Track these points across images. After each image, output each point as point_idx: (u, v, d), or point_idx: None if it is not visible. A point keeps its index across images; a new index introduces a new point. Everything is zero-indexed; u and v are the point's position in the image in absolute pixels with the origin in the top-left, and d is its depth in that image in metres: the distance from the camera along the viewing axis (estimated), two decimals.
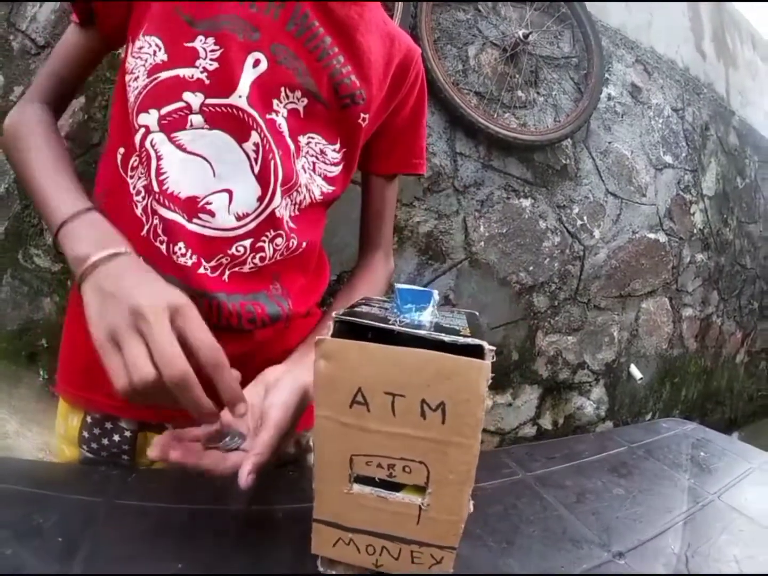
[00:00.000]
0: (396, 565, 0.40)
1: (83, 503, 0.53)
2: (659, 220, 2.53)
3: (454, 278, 1.90)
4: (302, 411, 0.52)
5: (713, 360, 3.12)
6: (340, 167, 0.67)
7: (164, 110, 0.56)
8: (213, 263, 0.59)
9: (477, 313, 0.44)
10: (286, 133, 0.61)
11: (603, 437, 0.98)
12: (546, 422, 2.26)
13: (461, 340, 0.32)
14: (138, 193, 0.58)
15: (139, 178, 0.58)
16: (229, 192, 0.58)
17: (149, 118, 0.57)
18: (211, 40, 0.56)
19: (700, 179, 2.79)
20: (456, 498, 0.36)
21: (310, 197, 0.65)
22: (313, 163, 0.64)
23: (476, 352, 0.32)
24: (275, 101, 0.59)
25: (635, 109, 2.41)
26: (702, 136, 2.81)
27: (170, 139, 0.56)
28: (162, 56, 0.56)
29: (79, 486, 0.57)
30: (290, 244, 0.63)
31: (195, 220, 0.57)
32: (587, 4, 2.09)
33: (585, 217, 2.21)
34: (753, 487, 0.79)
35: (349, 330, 0.35)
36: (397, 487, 0.37)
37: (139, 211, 0.58)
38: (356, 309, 0.39)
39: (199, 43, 0.56)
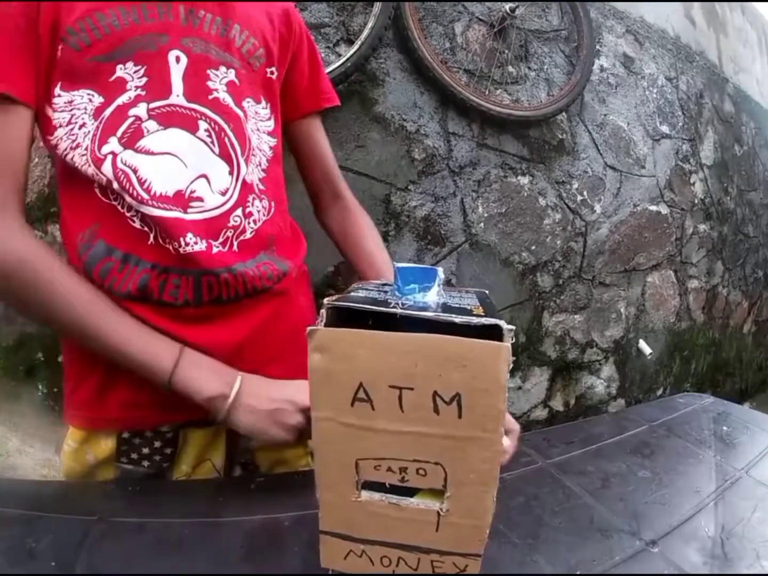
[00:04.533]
0: None
1: (77, 523, 0.51)
2: (660, 191, 2.48)
3: (455, 262, 1.85)
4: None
5: (721, 331, 3.09)
6: (272, 121, 0.75)
7: (119, 132, 0.62)
8: (221, 239, 0.66)
9: (487, 292, 0.40)
10: (232, 104, 0.68)
11: (619, 417, 0.97)
12: (557, 404, 2.23)
13: (475, 320, 0.27)
14: (130, 209, 0.63)
15: (124, 197, 0.62)
16: (205, 176, 0.65)
17: (111, 146, 0.62)
18: (130, 63, 0.62)
19: (698, 148, 2.73)
20: (479, 500, 0.31)
21: (264, 155, 0.73)
22: (255, 123, 0.72)
23: (493, 333, 0.27)
24: (209, 83, 0.66)
25: (629, 80, 2.36)
26: (697, 105, 2.76)
27: (137, 151, 0.62)
28: (99, 99, 0.62)
29: (72, 505, 0.56)
30: (264, 204, 0.72)
31: (190, 210, 0.64)
32: None
33: (585, 192, 2.17)
34: None
35: (345, 318, 0.31)
36: (410, 491, 0.33)
37: (138, 224, 0.63)
38: (351, 294, 0.34)
39: (120, 71, 0.62)
